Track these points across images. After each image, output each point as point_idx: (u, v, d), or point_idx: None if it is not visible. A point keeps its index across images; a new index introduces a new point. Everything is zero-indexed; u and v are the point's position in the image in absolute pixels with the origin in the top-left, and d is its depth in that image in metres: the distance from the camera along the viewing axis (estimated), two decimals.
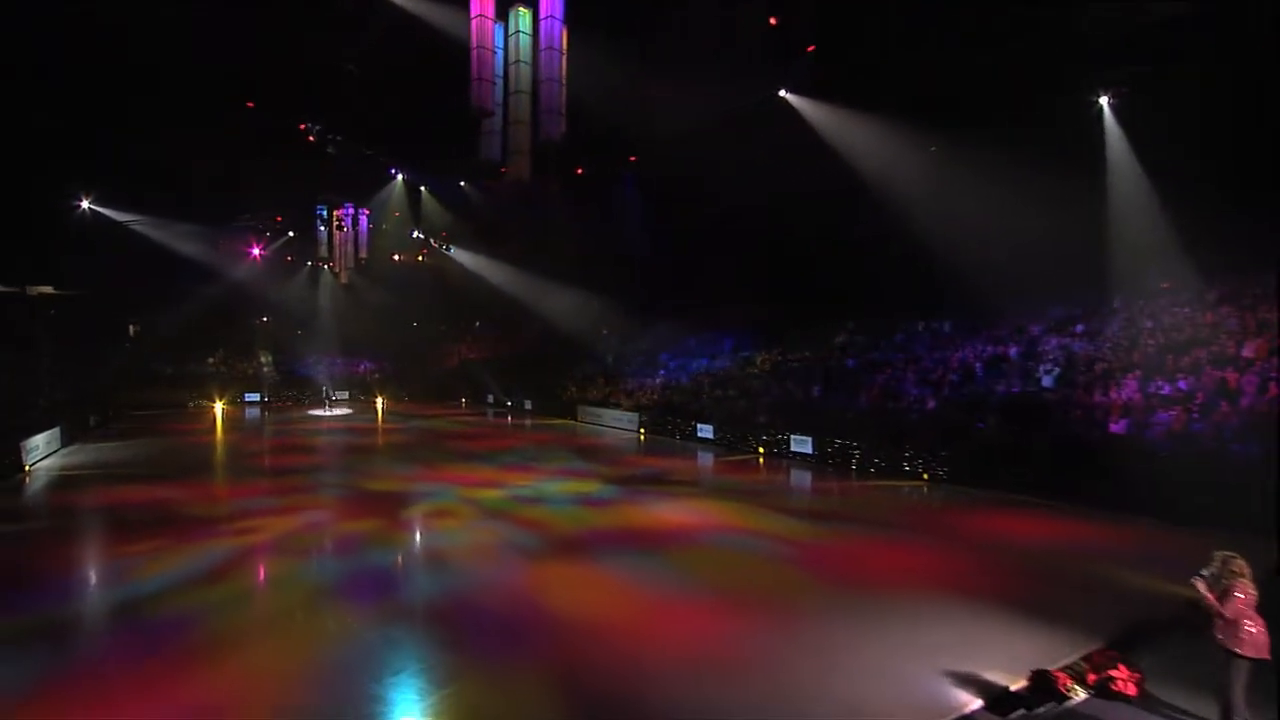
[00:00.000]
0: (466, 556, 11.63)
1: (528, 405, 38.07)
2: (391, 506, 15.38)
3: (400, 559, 11.71)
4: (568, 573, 10.87)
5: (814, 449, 20.94)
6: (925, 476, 17.89)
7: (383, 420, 35.61)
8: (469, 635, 8.51)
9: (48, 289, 37.37)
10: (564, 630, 8.60)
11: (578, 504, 15.45)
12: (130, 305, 42.67)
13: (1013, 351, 19.96)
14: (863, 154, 23.33)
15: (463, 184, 37.01)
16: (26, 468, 19.72)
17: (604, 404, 32.31)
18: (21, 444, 19.88)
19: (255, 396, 43.11)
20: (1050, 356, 18.64)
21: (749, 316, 32.96)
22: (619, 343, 38.41)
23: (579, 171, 31.45)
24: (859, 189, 23.77)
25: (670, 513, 14.85)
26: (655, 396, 30.24)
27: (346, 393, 45.47)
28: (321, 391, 43.02)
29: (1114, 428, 14.94)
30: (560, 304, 38.95)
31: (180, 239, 39.26)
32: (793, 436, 21.66)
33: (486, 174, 20.31)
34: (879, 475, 18.91)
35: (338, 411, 37.08)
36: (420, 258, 47.22)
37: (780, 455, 22.05)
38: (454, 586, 10.19)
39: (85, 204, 35.14)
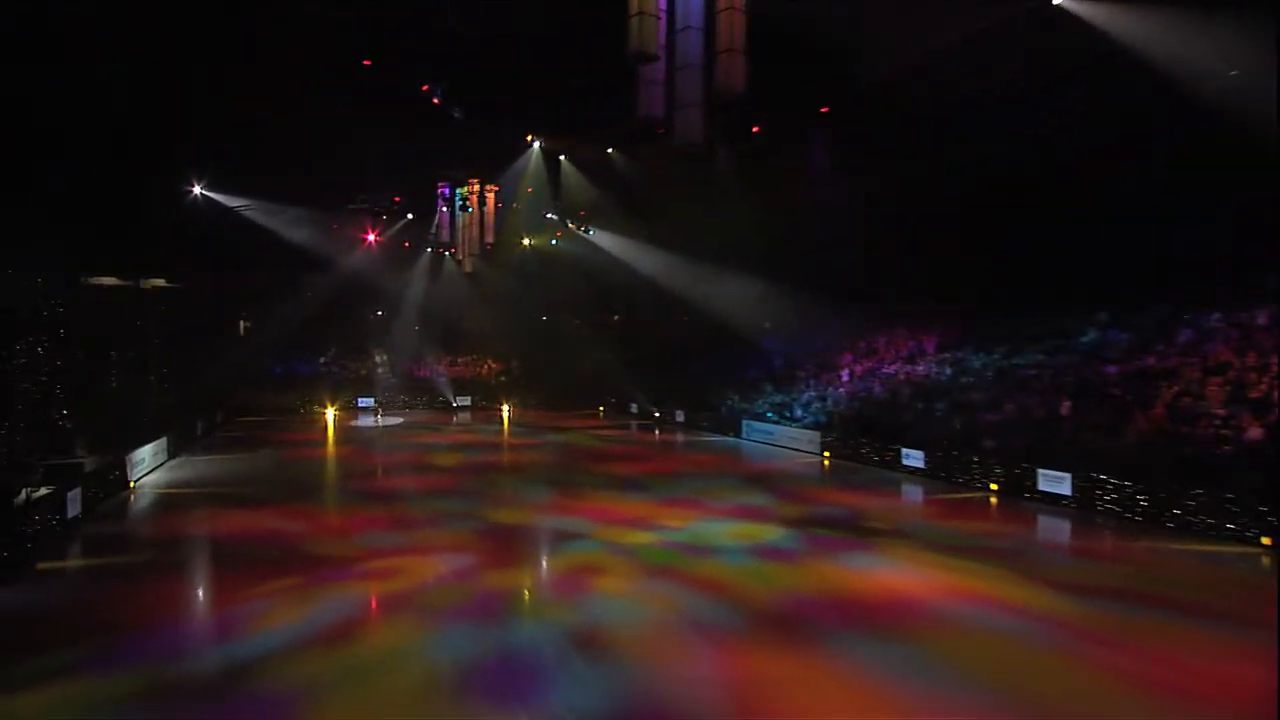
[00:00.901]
0: (637, 637, 10.38)
1: (679, 417, 37.26)
2: (528, 549, 15.15)
3: (550, 637, 10.53)
4: (784, 667, 9.39)
5: (1074, 490, 18.31)
6: (1266, 541, 14.85)
7: (509, 432, 35.90)
8: None
9: (160, 282, 40.29)
10: None
11: (759, 557, 14.30)
12: (240, 299, 45.77)
13: None
14: (1155, 72, 20.13)
15: (610, 151, 36.52)
16: (131, 484, 20.82)
17: (775, 417, 30.91)
18: (127, 457, 20.93)
19: (369, 401, 44.96)
20: None
21: (959, 306, 30.19)
22: (790, 341, 36.68)
23: (755, 130, 29.83)
24: (1138, 125, 20.63)
25: (887, 574, 13.29)
26: (841, 410, 28.20)
27: (469, 397, 46.29)
28: (375, 401, 44.36)
29: None
30: (720, 294, 37.60)
31: (291, 225, 41.47)
32: (1041, 471, 19.10)
33: (645, 136, 19.15)
34: (1183, 534, 16.05)
35: (389, 421, 37.51)
36: (553, 241, 47.30)
37: (1021, 495, 19.59)
38: (628, 686, 8.91)
39: (197, 189, 37.59)
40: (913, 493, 21.36)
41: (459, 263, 41.65)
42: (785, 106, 26.99)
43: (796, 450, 28.15)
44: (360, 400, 44.79)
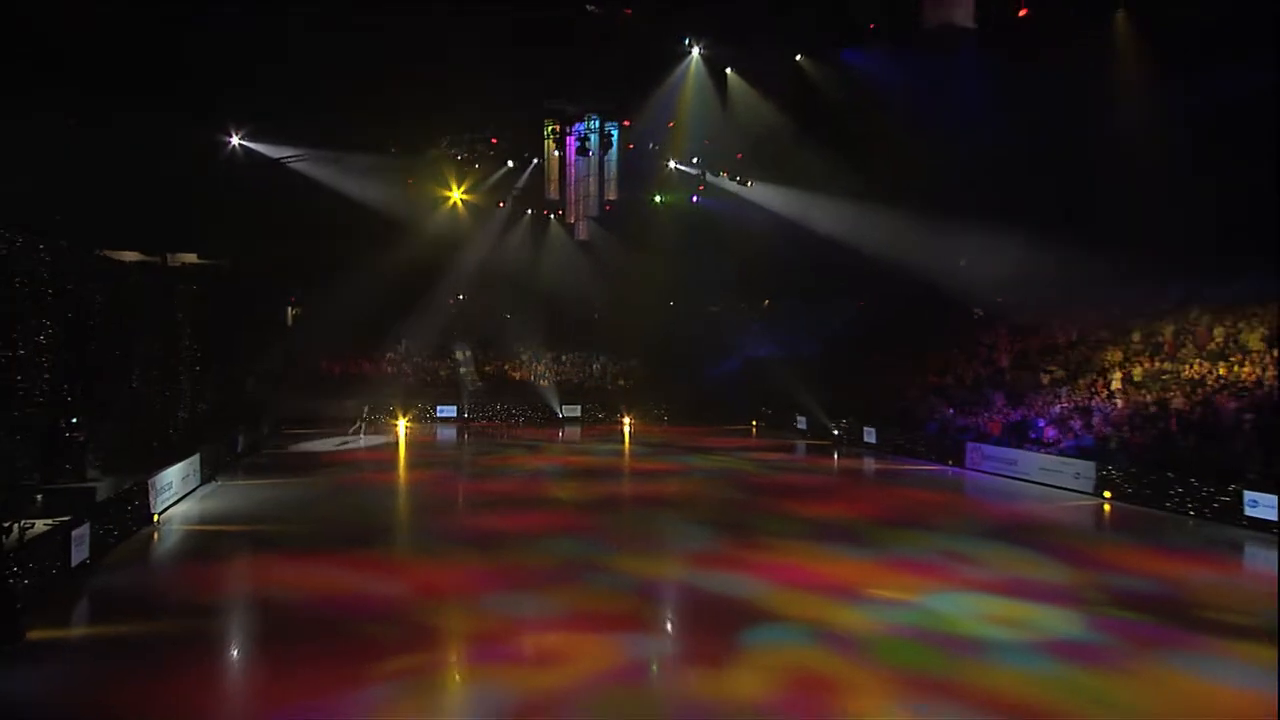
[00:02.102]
0: None
1: (869, 436, 35.94)
2: (705, 627, 13.99)
3: None
4: None
5: None
6: None
7: (636, 454, 35.54)
8: None
9: (190, 257, 41.07)
10: None
11: (1059, 657, 12.50)
12: (288, 278, 46.83)
13: None
14: None
15: (799, 58, 34.58)
16: (156, 517, 20.58)
17: (1012, 440, 29.28)
18: (150, 482, 20.66)
19: (451, 410, 45.00)
20: None
21: None
22: (1022, 329, 35.13)
23: (1022, 13, 27.37)
24: None
25: None
26: (1122, 430, 26.01)
27: (578, 407, 46.13)
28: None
29: None
30: (928, 263, 35.97)
31: (353, 180, 41.51)
32: None
33: (863, 28, 16.98)
34: None
35: (365, 441, 36.75)
36: (694, 199, 46.30)
37: None
38: None
39: (235, 140, 38.26)
40: (1268, 560, 18.69)
41: (570, 227, 40.67)
42: None
43: (1055, 487, 26.03)
44: (440, 408, 44.88)
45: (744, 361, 49.42)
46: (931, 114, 32.48)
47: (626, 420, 44.20)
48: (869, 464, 32.75)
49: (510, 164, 44.37)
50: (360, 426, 39.27)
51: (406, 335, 48.55)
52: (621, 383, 49.31)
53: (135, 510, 19.53)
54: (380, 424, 41.95)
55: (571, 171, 37.50)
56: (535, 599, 15.04)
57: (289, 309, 50.11)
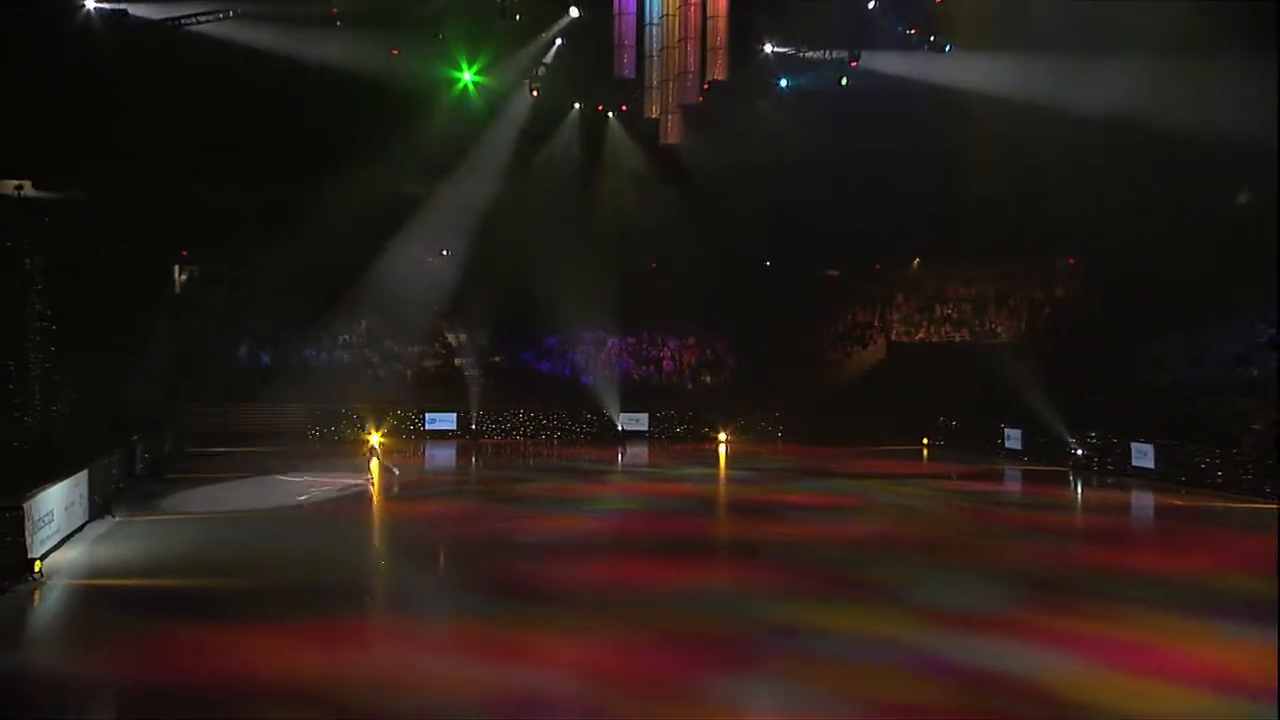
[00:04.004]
0: None
1: (1139, 458, 35.70)
2: None
3: None
4: None
5: None
6: None
7: (750, 480, 35.56)
8: None
9: (23, 185, 39.96)
10: None
11: None
12: (175, 222, 45.67)
13: None
14: None
15: None
16: (38, 566, 19.65)
17: None
18: (26, 505, 19.83)
19: (448, 420, 44.70)
20: None
21: None
22: None
23: None
24: None
25: None
26: None
27: (644, 416, 45.64)
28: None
29: None
30: None
31: (294, 49, 39.87)
32: None
33: None
34: None
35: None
36: (843, 80, 44.80)
37: None
38: None
39: (91, 2, 37.02)
40: None
41: (654, 125, 39.08)
42: None
43: None
44: (430, 418, 44.64)
45: (893, 345, 49.37)
46: None
47: (721, 435, 43.86)
48: (1136, 498, 32.79)
49: (575, 12, 42.28)
50: (377, 454, 34.35)
51: (370, 310, 48.19)
52: (706, 379, 48.92)
53: (8, 551, 18.82)
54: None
55: (656, 34, 35.56)
56: (773, 684, 14.33)
57: (177, 270, 50.01)
